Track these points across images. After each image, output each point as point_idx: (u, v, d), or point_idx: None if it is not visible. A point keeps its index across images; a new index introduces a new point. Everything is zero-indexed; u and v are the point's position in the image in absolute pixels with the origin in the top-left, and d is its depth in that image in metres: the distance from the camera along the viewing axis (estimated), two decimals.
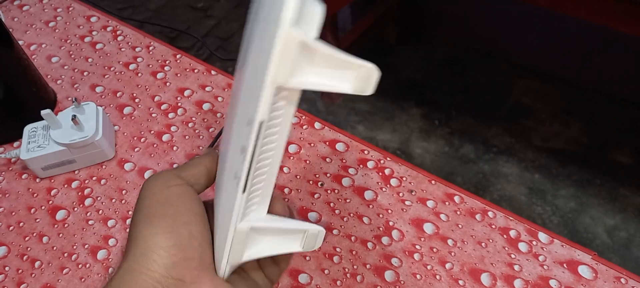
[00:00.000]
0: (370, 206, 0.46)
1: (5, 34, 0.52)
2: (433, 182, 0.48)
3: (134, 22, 0.76)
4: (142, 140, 0.54)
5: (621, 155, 1.39)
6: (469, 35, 1.72)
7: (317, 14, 0.22)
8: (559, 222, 1.27)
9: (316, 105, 1.63)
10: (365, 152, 0.50)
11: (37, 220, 0.48)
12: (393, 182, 0.48)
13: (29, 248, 0.46)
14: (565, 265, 0.41)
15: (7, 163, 0.53)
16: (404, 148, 1.47)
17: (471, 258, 0.42)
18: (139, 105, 0.57)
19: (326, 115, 1.59)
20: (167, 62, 0.62)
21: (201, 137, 0.53)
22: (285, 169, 0.49)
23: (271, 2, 0.23)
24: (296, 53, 0.21)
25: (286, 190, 0.48)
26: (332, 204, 0.47)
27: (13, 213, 0.49)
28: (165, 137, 0.54)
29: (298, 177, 0.49)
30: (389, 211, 0.46)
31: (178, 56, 0.62)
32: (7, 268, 0.45)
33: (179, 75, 0.60)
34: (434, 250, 0.43)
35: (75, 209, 0.49)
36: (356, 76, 0.23)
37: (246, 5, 2.04)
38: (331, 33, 1.40)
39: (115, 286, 0.25)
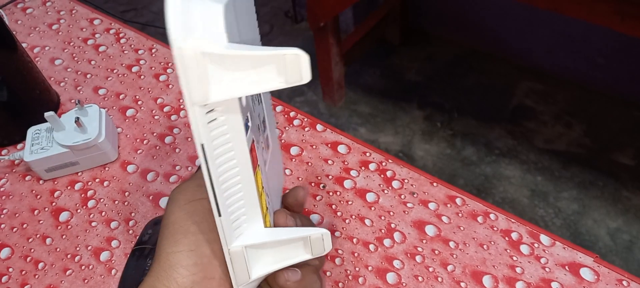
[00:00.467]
0: (372, 208, 0.46)
1: (9, 36, 0.52)
2: (435, 184, 0.48)
3: (137, 24, 0.76)
4: (145, 142, 0.54)
5: (624, 157, 1.39)
6: (471, 37, 1.72)
7: (216, 13, 0.20)
8: (562, 224, 1.27)
9: (318, 107, 1.64)
10: (367, 154, 0.51)
11: (41, 222, 0.48)
12: (395, 184, 0.48)
13: (32, 250, 0.46)
14: (567, 267, 0.41)
15: (11, 165, 0.53)
16: (406, 151, 1.47)
17: (473, 261, 0.42)
18: (142, 108, 0.57)
19: (328, 117, 1.59)
20: (169, 64, 0.62)
21: None
22: (287, 171, 0.50)
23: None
24: (201, 66, 0.19)
25: None
26: (334, 206, 0.47)
27: (16, 215, 0.49)
28: (167, 139, 0.54)
29: (300, 179, 0.49)
30: (391, 213, 0.46)
31: None
32: (10, 270, 0.45)
33: None
34: (436, 252, 0.43)
35: (79, 211, 0.49)
36: (283, 67, 0.20)
37: None
38: (333, 35, 1.40)
39: None
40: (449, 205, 0.46)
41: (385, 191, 0.48)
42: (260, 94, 0.28)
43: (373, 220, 0.46)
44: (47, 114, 0.47)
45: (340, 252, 0.44)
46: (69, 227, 0.48)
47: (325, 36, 1.39)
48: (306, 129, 0.53)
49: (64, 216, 0.49)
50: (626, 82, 1.47)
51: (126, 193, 0.50)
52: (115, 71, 0.62)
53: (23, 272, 0.45)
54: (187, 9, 0.19)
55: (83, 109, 0.50)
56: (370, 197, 0.47)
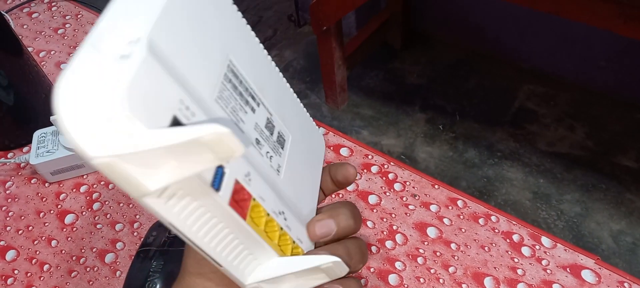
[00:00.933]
0: (374, 210, 0.47)
1: (15, 41, 0.53)
2: (436, 186, 0.48)
3: None
4: None
5: (626, 160, 1.38)
6: (473, 40, 1.72)
7: (120, 96, 0.16)
8: (564, 226, 1.27)
9: (321, 110, 1.64)
10: (369, 156, 0.51)
11: (46, 224, 0.49)
12: (397, 186, 0.48)
13: (38, 252, 0.47)
14: (568, 269, 0.41)
15: (17, 168, 0.54)
16: (408, 153, 1.48)
17: (474, 262, 0.43)
18: None
19: (331, 120, 1.60)
20: None
21: None
22: None
23: None
24: (118, 169, 0.17)
25: None
26: None
27: (22, 217, 0.50)
28: None
29: None
30: (393, 215, 0.46)
31: None
32: (16, 272, 0.46)
33: None
34: (438, 254, 0.43)
35: (84, 213, 0.49)
36: (209, 148, 0.18)
37: (252, 12, 2.05)
38: (336, 38, 1.41)
39: None
40: (450, 207, 0.46)
41: (387, 193, 0.48)
42: (256, 96, 0.26)
43: (375, 222, 0.46)
44: (53, 118, 0.48)
45: None
46: (74, 229, 0.48)
47: (328, 40, 1.40)
48: None
49: (69, 218, 0.49)
50: (628, 85, 1.47)
51: None
52: None
53: (28, 274, 0.46)
54: (85, 98, 0.16)
55: None
56: (372, 199, 0.48)
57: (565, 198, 1.32)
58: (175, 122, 0.19)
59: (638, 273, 1.17)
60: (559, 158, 1.41)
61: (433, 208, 0.46)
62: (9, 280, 0.45)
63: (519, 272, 0.42)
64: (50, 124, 0.48)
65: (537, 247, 0.43)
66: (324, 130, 0.54)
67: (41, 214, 0.50)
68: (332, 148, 0.52)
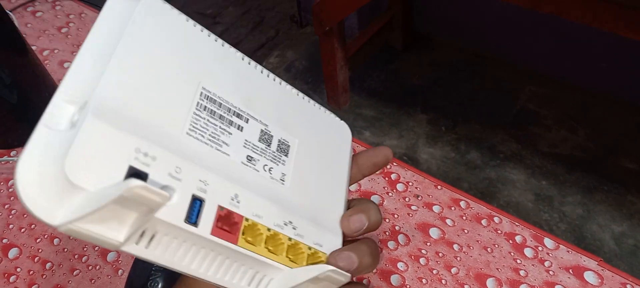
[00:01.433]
0: None
1: (20, 39, 0.53)
2: (439, 187, 0.48)
3: None
4: None
5: (628, 162, 1.38)
6: (475, 41, 1.72)
7: (57, 175, 0.18)
8: (566, 228, 1.27)
9: None
10: None
11: None
12: (399, 187, 0.48)
13: (40, 250, 0.47)
14: (571, 270, 0.41)
15: None
16: (410, 154, 1.48)
17: (477, 263, 0.43)
18: None
19: None
20: None
21: None
22: None
23: None
24: (81, 231, 0.18)
25: None
26: None
27: (25, 215, 0.50)
28: None
29: None
30: (395, 216, 0.46)
31: None
32: (18, 270, 0.46)
33: None
34: (440, 254, 0.43)
35: None
36: (137, 203, 0.18)
37: (254, 12, 2.06)
38: (338, 39, 1.41)
39: None
40: (453, 208, 0.46)
41: (390, 194, 0.48)
42: (243, 114, 0.25)
43: None
44: None
45: None
46: None
47: (330, 40, 1.40)
48: None
49: None
50: (630, 86, 1.47)
51: None
52: None
53: (31, 272, 0.46)
54: (39, 174, 0.18)
55: None
56: (374, 199, 0.48)
57: (567, 200, 1.32)
58: (133, 172, 0.19)
59: None
60: (560, 160, 1.41)
61: (436, 209, 0.46)
62: (12, 278, 0.45)
63: (522, 273, 0.42)
64: None
65: (540, 248, 0.43)
66: None
67: None
68: None
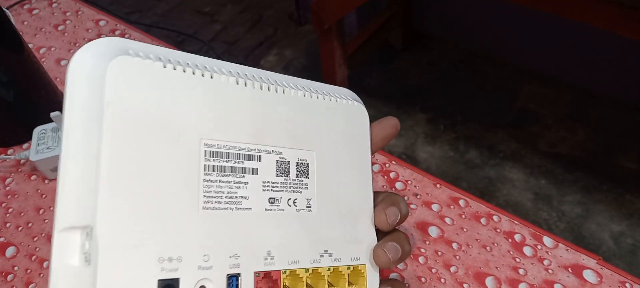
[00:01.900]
0: None
1: (16, 37, 0.52)
2: (438, 185, 0.48)
3: (141, 26, 0.77)
4: None
5: (627, 161, 1.38)
6: (474, 40, 1.72)
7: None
8: (565, 227, 1.27)
9: None
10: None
11: (46, 221, 0.49)
12: (398, 185, 0.48)
13: (37, 249, 0.47)
14: (570, 269, 0.41)
15: (17, 165, 0.54)
16: (409, 153, 1.47)
17: (476, 262, 0.42)
18: None
19: None
20: None
21: None
22: None
23: None
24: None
25: None
26: None
27: (22, 214, 0.50)
28: None
29: None
30: None
31: None
32: (15, 268, 0.46)
33: None
34: (439, 253, 0.43)
35: None
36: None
37: (252, 10, 2.05)
38: (337, 38, 1.41)
39: None
40: (452, 207, 0.46)
41: None
42: (254, 153, 0.23)
43: None
44: (53, 114, 0.47)
45: None
46: None
47: (329, 39, 1.40)
48: None
49: None
50: (630, 86, 1.47)
51: None
52: None
53: (28, 271, 0.45)
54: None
55: None
56: None
57: (566, 199, 1.32)
58: (163, 286, 0.18)
59: (638, 274, 1.17)
60: (560, 159, 1.41)
61: (435, 207, 0.46)
62: (9, 277, 0.45)
63: (521, 271, 0.41)
64: (50, 121, 0.48)
65: (539, 246, 0.43)
66: None
67: (41, 211, 0.50)
68: None
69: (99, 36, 0.67)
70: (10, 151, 0.55)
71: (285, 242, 0.23)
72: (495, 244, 0.43)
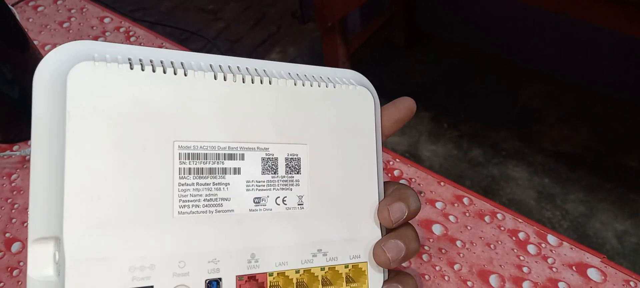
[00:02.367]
0: None
1: (21, 34, 0.53)
2: (442, 183, 0.48)
3: (145, 23, 0.77)
4: None
5: (631, 160, 1.38)
6: (477, 39, 1.72)
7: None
8: (569, 226, 1.26)
9: None
10: None
11: None
12: (403, 182, 0.48)
13: None
14: (574, 267, 0.41)
15: (22, 161, 0.54)
16: (412, 151, 1.47)
17: (480, 260, 0.42)
18: None
19: None
20: None
21: None
22: None
23: None
24: None
25: None
26: None
27: (28, 210, 0.50)
28: None
29: None
30: None
31: None
32: (21, 263, 0.46)
33: None
34: (443, 251, 0.43)
35: None
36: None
37: (256, 8, 2.05)
38: (340, 35, 1.41)
39: None
40: (456, 205, 0.46)
41: None
42: (235, 152, 0.22)
43: None
44: None
45: None
46: None
47: (332, 37, 1.40)
48: None
49: None
50: (633, 85, 1.46)
51: None
52: None
53: None
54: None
55: None
56: None
57: (569, 198, 1.32)
58: None
59: None
60: (563, 158, 1.40)
61: (438, 205, 0.46)
62: (15, 272, 0.45)
63: (525, 269, 0.41)
64: None
65: (543, 245, 0.43)
66: None
67: None
68: None
69: (103, 33, 0.67)
70: (15, 147, 0.56)
71: (271, 243, 0.22)
72: (500, 242, 0.43)
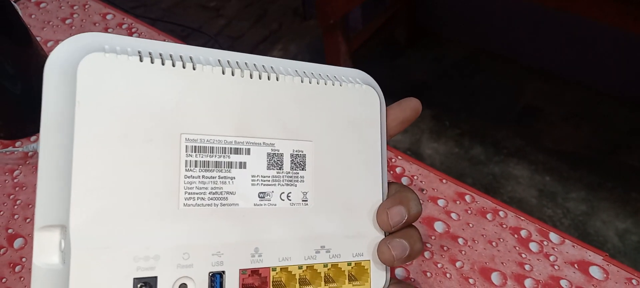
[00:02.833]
0: None
1: (24, 30, 0.53)
2: (444, 180, 0.48)
3: (147, 19, 0.77)
4: None
5: (633, 159, 1.38)
6: (479, 37, 1.72)
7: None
8: (570, 224, 1.26)
9: None
10: None
11: None
12: (404, 180, 0.48)
13: None
14: (576, 265, 0.41)
15: (24, 157, 0.54)
16: (414, 149, 1.47)
17: (482, 257, 0.42)
18: None
19: None
20: None
21: None
22: None
23: None
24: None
25: None
26: None
27: (30, 206, 0.50)
28: None
29: None
30: None
31: None
32: (23, 260, 0.46)
33: None
34: (445, 248, 0.43)
35: None
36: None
37: (257, 5, 2.05)
38: (342, 33, 1.40)
39: None
40: (458, 202, 0.46)
41: None
42: (241, 146, 0.22)
43: None
44: None
45: None
46: None
47: (334, 34, 1.40)
48: None
49: None
50: (635, 83, 1.46)
51: None
52: None
53: None
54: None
55: None
56: None
57: (571, 196, 1.32)
58: (139, 285, 0.19)
59: None
60: (565, 156, 1.40)
61: (441, 202, 0.46)
62: (17, 268, 0.45)
63: (527, 267, 0.41)
64: None
65: (545, 242, 0.43)
66: None
67: None
68: None
69: (106, 30, 0.67)
70: (18, 143, 0.56)
71: (275, 238, 0.22)
72: (501, 240, 0.43)
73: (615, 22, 0.98)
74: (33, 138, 0.56)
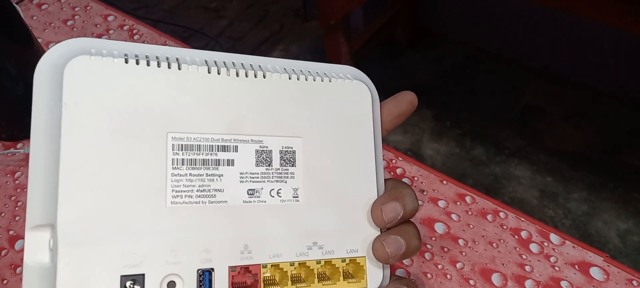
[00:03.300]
0: None
1: (26, 32, 0.53)
2: (444, 182, 0.48)
3: (148, 21, 0.77)
4: None
5: (634, 159, 1.38)
6: (480, 37, 1.71)
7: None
8: (571, 225, 1.26)
9: None
10: None
11: None
12: (404, 181, 0.48)
13: None
14: (576, 266, 0.41)
15: (26, 159, 0.54)
16: (415, 149, 1.47)
17: (482, 258, 0.42)
18: None
19: None
20: None
21: None
22: None
23: None
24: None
25: None
26: None
27: None
28: None
29: None
30: None
31: None
32: None
33: None
34: (445, 249, 0.43)
35: None
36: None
37: (258, 6, 2.05)
38: (343, 33, 1.41)
39: None
40: (458, 203, 0.46)
41: None
42: (229, 144, 0.22)
43: None
44: None
45: None
46: None
47: (335, 35, 1.40)
48: None
49: None
50: (637, 83, 1.46)
51: None
52: None
53: None
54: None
55: None
56: None
57: (572, 196, 1.32)
58: (128, 280, 0.19)
59: None
60: (566, 156, 1.40)
61: (441, 203, 0.46)
62: (18, 269, 0.46)
63: (527, 268, 0.41)
64: None
65: (546, 243, 0.43)
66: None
67: None
68: None
69: (107, 31, 0.68)
70: (19, 145, 0.56)
71: (265, 234, 0.22)
72: (502, 241, 0.43)
73: (615, 22, 0.98)
74: None
